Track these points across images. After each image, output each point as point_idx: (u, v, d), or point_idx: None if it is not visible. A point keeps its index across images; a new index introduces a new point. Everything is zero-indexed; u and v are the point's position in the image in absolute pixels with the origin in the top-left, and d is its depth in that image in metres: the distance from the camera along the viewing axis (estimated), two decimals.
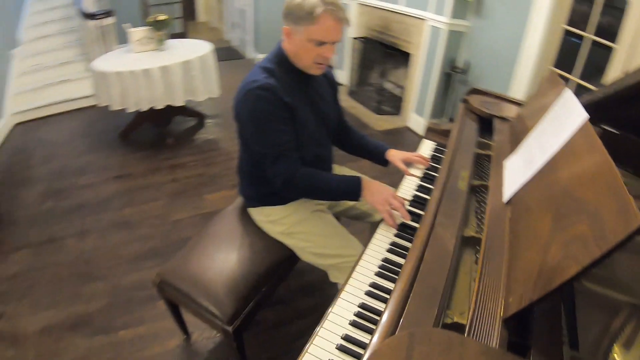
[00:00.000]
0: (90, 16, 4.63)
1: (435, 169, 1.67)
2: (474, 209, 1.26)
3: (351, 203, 1.75)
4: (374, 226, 1.40)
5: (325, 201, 1.70)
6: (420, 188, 1.55)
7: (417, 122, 4.11)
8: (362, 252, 1.22)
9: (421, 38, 3.80)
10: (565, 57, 2.88)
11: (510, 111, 1.80)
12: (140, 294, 2.18)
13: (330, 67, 1.55)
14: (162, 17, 3.62)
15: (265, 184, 1.51)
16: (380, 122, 4.32)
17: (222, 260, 1.56)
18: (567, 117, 1.05)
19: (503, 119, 1.73)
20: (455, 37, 3.56)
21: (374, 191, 1.41)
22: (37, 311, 2.11)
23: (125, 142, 3.95)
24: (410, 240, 1.26)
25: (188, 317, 1.82)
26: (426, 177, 1.62)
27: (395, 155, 1.69)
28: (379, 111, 4.52)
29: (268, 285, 1.57)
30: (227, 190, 3.08)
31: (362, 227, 1.98)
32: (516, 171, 1.14)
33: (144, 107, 3.47)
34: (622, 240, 0.57)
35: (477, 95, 1.98)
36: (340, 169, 1.87)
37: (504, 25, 3.20)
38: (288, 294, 2.15)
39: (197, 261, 1.56)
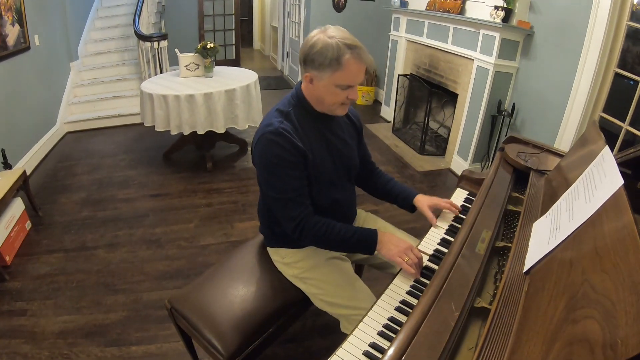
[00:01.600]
0: (146, 38, 4.85)
1: (463, 221, 1.57)
2: (493, 274, 1.15)
3: None
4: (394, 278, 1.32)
5: None
6: (444, 242, 1.46)
7: (460, 165, 3.98)
8: (370, 308, 1.15)
9: (468, 78, 3.72)
10: (616, 100, 2.72)
11: (550, 163, 1.68)
12: (157, 312, 2.20)
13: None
14: (210, 44, 3.73)
15: (279, 225, 1.49)
16: (421, 163, 4.21)
17: (233, 295, 1.54)
18: (601, 181, 0.95)
19: (540, 171, 1.62)
20: (502, 79, 3.45)
21: (390, 246, 1.34)
22: (59, 314, 2.19)
23: (168, 162, 4.07)
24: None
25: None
26: (451, 230, 1.52)
27: (422, 202, 1.60)
28: (423, 151, 4.42)
29: (276, 326, 1.52)
30: (257, 221, 3.03)
31: (380, 275, 1.91)
32: (542, 238, 1.04)
33: (186, 131, 3.55)
34: (633, 358, 0.48)
35: (515, 144, 1.86)
36: (365, 216, 1.80)
37: (552, 68, 3.07)
38: (302, 332, 2.10)
39: (209, 292, 1.55)
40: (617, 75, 2.67)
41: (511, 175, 1.66)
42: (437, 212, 1.62)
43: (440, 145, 4.47)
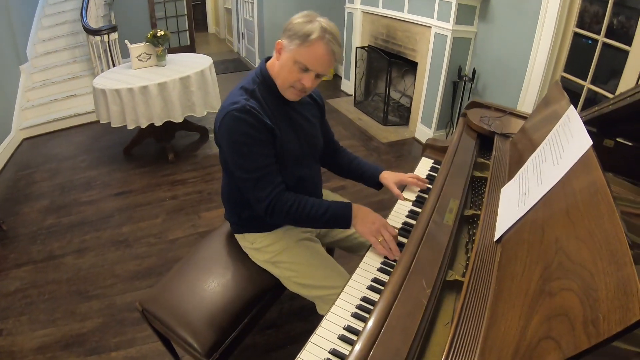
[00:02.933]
0: (94, 32, 4.64)
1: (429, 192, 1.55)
2: (464, 244, 1.13)
3: (345, 233, 1.66)
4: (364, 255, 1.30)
5: (314, 229, 1.61)
6: (412, 214, 1.43)
7: (424, 133, 3.99)
8: (342, 288, 1.11)
9: (426, 46, 3.69)
10: (576, 59, 2.74)
11: (514, 126, 1.66)
12: (133, 314, 2.15)
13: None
14: (160, 32, 3.57)
15: (246, 208, 1.46)
16: (386, 134, 4.20)
17: (204, 288, 1.49)
18: (568, 142, 0.93)
19: (505, 135, 1.60)
20: (461, 44, 3.43)
21: (366, 220, 1.31)
22: (35, 329, 2.12)
23: (129, 158, 3.95)
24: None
25: None
26: (419, 201, 1.50)
27: (388, 178, 1.59)
28: (386, 122, 4.41)
29: (251, 316, 1.49)
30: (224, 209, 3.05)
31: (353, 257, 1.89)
32: (510, 204, 1.01)
33: (143, 124, 3.43)
34: (616, 334, 0.46)
35: (478, 109, 1.84)
36: (334, 197, 1.78)
37: (511, 30, 3.07)
38: (280, 318, 2.09)
39: (179, 289, 1.50)
40: (576, 34, 2.68)
41: (475, 140, 1.64)
42: (404, 186, 1.60)
43: (403, 115, 4.47)
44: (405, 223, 1.39)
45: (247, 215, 1.51)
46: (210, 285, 1.50)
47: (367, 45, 4.74)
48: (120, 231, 2.85)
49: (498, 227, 1.00)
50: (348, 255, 1.75)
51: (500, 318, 0.70)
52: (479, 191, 1.39)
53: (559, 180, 0.84)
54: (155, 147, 4.05)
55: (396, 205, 1.50)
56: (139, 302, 1.50)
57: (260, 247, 1.53)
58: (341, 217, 1.34)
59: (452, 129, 3.82)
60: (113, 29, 4.74)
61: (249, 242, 1.57)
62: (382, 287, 1.11)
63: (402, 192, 1.56)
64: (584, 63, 2.63)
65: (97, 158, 3.99)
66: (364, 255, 1.25)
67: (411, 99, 4.28)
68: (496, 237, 0.97)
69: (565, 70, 2.79)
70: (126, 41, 3.83)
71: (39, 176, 3.74)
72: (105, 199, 3.28)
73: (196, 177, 3.51)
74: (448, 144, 1.76)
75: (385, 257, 1.23)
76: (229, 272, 1.55)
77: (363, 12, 4.68)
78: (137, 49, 3.72)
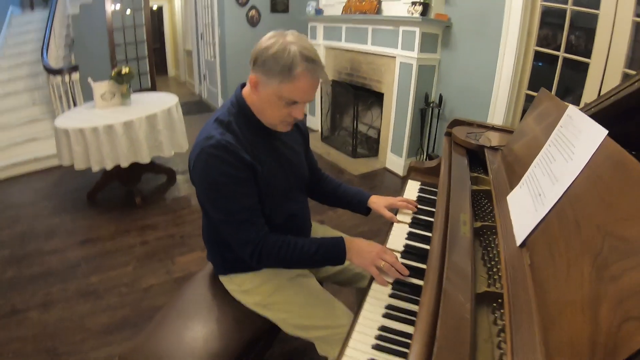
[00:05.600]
0: (55, 72, 4.53)
1: (425, 212, 1.52)
2: (480, 256, 1.08)
3: (339, 265, 1.52)
4: (360, 292, 1.20)
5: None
6: (411, 236, 1.38)
7: (395, 162, 4.03)
8: (354, 322, 1.02)
9: (392, 76, 3.79)
10: (536, 82, 2.88)
11: (499, 139, 1.68)
12: None
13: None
14: (125, 69, 3.50)
15: (230, 249, 1.31)
16: (357, 166, 4.23)
17: (193, 337, 1.35)
18: (577, 138, 0.92)
19: (493, 148, 1.60)
20: (426, 72, 3.55)
21: (362, 252, 1.21)
22: None
23: (93, 203, 3.76)
24: (407, 300, 1.09)
25: None
26: (416, 223, 1.46)
27: (378, 203, 1.52)
28: (355, 154, 4.45)
29: None
30: (199, 252, 2.92)
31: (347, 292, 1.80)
32: (525, 208, 0.99)
33: (109, 166, 3.28)
34: None
35: (460, 127, 1.86)
36: (324, 230, 1.69)
37: (474, 54, 3.20)
38: None
39: (164, 339, 1.34)
40: (537, 53, 2.83)
41: (465, 156, 1.64)
42: (393, 210, 1.54)
43: (372, 147, 4.53)
44: (406, 246, 1.34)
45: (232, 257, 1.37)
46: (199, 333, 1.36)
47: (331, 80, 4.81)
48: (89, 281, 2.65)
49: (517, 232, 0.96)
50: (338, 288, 1.65)
51: (558, 318, 0.65)
52: (479, 203, 1.37)
53: (580, 173, 0.82)
54: (121, 191, 3.89)
55: (392, 229, 1.44)
56: (118, 357, 1.34)
57: (250, 288, 1.40)
58: (334, 253, 1.24)
59: (422, 155, 3.87)
60: (74, 68, 4.64)
61: (236, 284, 1.43)
62: (398, 314, 1.04)
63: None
64: (546, 80, 2.76)
65: (59, 204, 3.78)
66: (370, 282, 1.17)
67: (378, 130, 4.35)
68: (519, 242, 0.93)
69: (529, 88, 2.92)
70: (89, 79, 3.71)
71: None
72: (70, 247, 3.07)
73: (166, 221, 3.36)
74: (432, 164, 1.80)
75: (395, 282, 1.15)
76: (218, 318, 1.42)
77: (326, 47, 4.79)
78: (101, 86, 3.61)
